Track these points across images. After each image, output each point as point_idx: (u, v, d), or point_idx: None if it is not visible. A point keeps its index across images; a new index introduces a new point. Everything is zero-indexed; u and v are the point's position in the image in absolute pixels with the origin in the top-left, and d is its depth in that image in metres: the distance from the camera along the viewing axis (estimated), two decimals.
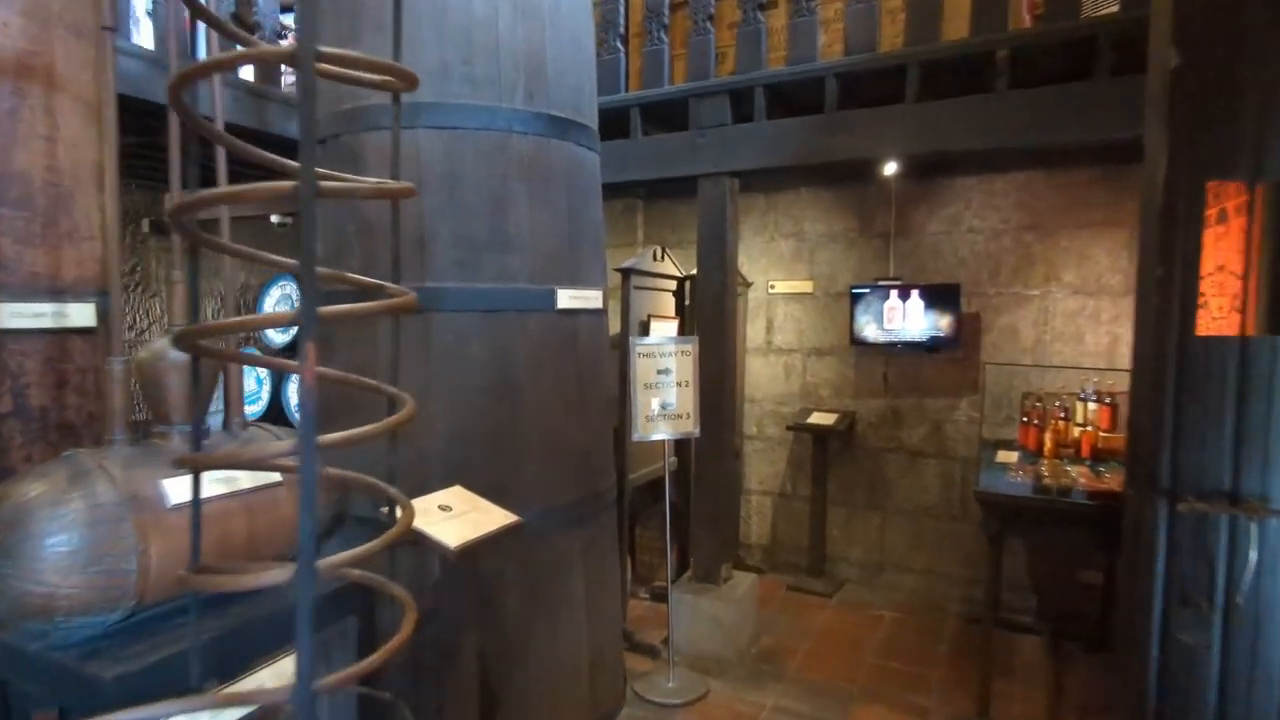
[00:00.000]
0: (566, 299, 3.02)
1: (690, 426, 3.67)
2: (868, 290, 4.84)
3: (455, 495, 2.64)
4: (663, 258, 4.52)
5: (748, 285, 5.37)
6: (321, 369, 2.09)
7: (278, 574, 1.35)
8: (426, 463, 2.80)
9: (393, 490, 1.84)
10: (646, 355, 3.60)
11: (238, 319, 1.27)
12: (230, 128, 3.96)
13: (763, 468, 5.48)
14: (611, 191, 5.75)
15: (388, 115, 2.81)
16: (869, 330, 4.85)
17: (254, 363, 1.67)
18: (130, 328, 6.36)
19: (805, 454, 5.19)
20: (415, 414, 1.69)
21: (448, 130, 2.80)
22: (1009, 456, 3.92)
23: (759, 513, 5.51)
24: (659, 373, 3.61)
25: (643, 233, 5.78)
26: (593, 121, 3.27)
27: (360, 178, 1.65)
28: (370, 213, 2.84)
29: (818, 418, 5.01)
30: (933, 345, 4.69)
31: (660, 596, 4.52)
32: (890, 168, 4.61)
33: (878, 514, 5.10)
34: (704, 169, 3.92)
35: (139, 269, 6.33)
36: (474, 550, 2.41)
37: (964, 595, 4.81)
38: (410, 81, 1.74)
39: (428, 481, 2.74)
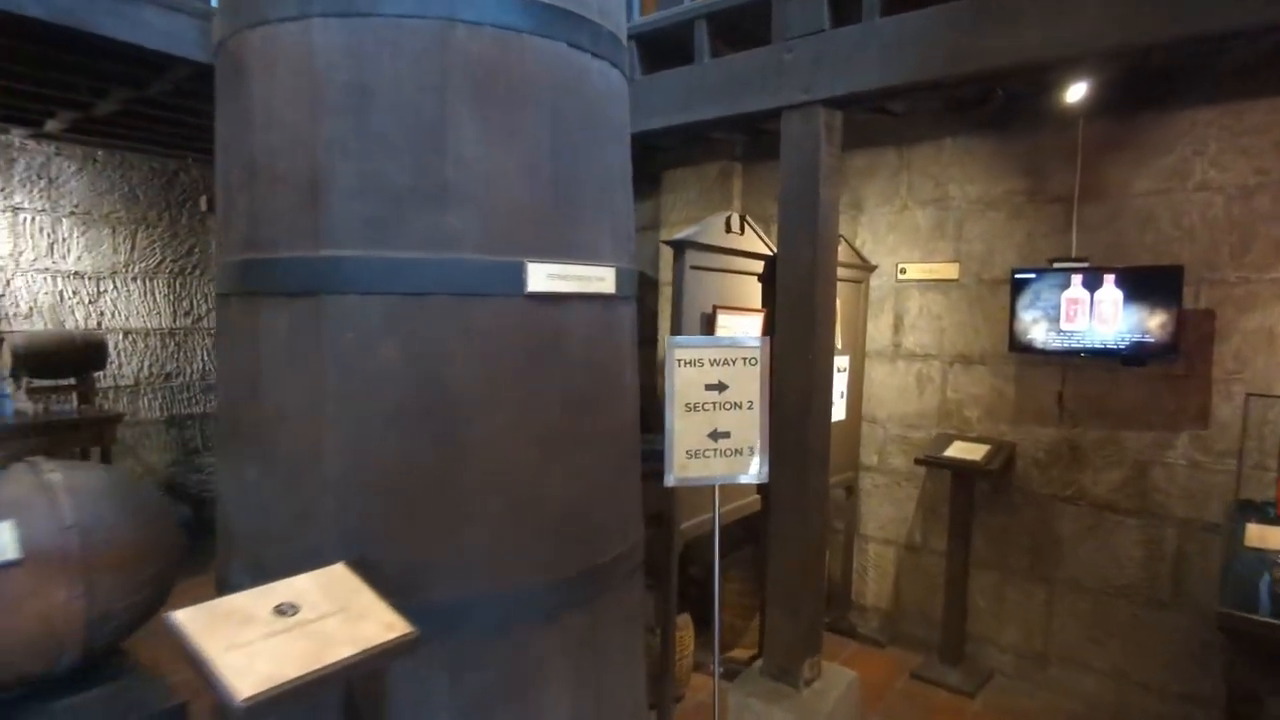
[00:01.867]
0: (542, 278, 1.98)
1: (752, 466, 2.53)
2: (1036, 276, 3.48)
3: (322, 583, 1.68)
4: (742, 228, 3.38)
5: (869, 269, 4.12)
6: None
7: None
8: (314, 524, 1.87)
9: None
10: (691, 362, 2.50)
11: None
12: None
13: (884, 509, 4.21)
14: (700, 150, 4.65)
15: (276, 3, 1.90)
16: (1038, 331, 3.48)
17: None
18: (187, 314, 5.95)
19: (942, 495, 3.88)
20: None
21: (355, 19, 1.84)
22: (1268, 536, 2.49)
23: (877, 567, 4.24)
24: (709, 388, 2.50)
25: (739, 203, 4.64)
26: (608, 19, 2.19)
27: None
28: (256, 149, 1.94)
29: (961, 449, 3.70)
30: (1136, 355, 3.27)
31: (735, 673, 3.43)
32: (1076, 92, 3.22)
33: (1043, 586, 3.71)
34: (790, 98, 2.76)
35: (197, 250, 5.89)
36: (301, 695, 1.44)
37: (1173, 716, 3.35)
38: None
39: (320, 550, 1.83)
